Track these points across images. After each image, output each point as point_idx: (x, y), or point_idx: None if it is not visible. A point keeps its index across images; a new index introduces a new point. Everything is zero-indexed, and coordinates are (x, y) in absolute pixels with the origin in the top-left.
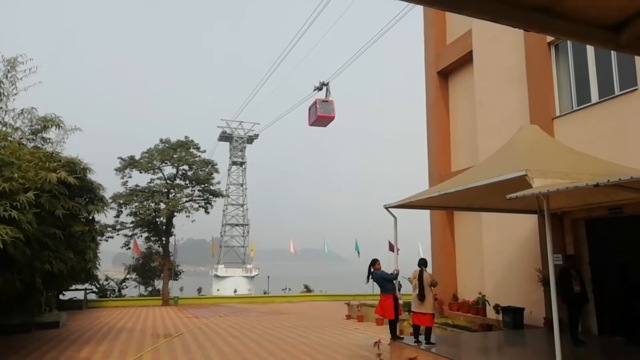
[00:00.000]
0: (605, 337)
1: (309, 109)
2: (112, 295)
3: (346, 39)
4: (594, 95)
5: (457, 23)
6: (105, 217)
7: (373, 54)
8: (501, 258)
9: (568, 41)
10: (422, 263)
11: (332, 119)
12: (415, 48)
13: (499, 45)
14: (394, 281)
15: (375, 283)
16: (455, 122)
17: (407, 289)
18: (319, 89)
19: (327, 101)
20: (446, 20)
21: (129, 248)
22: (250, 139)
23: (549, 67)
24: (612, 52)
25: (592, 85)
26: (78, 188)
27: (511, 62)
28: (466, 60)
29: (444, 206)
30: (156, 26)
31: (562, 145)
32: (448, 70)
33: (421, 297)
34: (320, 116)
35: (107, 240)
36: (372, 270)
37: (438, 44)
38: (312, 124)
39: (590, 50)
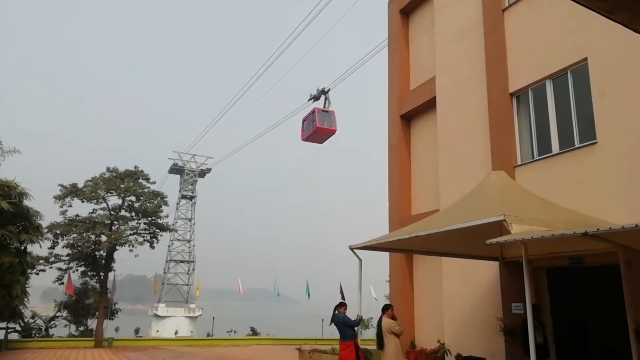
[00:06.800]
0: None
1: (303, 121)
2: (37, 335)
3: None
4: (555, 146)
5: (421, 69)
6: (40, 248)
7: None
8: (461, 305)
9: (529, 93)
10: (383, 308)
11: (332, 133)
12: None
13: (463, 93)
14: (356, 328)
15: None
16: (416, 166)
17: (366, 334)
18: (316, 98)
19: (327, 111)
20: (410, 65)
21: (62, 283)
22: (202, 173)
23: (511, 117)
24: (572, 105)
25: (552, 136)
26: (11, 214)
27: (474, 110)
28: (429, 105)
29: (409, 249)
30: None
31: (530, 193)
32: (411, 114)
33: (379, 345)
34: (320, 129)
35: (37, 274)
36: (336, 313)
37: (402, 88)
38: (306, 139)
39: (550, 102)
